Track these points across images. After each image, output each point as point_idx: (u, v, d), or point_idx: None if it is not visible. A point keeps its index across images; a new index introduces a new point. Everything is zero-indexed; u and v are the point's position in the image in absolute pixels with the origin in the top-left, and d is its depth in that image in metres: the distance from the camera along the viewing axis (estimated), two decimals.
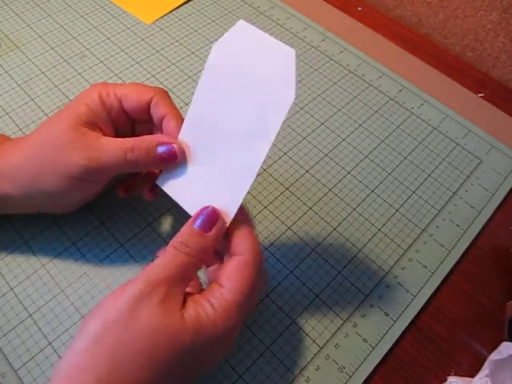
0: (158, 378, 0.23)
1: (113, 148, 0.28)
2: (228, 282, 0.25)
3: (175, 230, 0.26)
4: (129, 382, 0.22)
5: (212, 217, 0.26)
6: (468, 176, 0.42)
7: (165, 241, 0.35)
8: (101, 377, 0.22)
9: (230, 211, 0.26)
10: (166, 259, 0.25)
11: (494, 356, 0.29)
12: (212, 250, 0.26)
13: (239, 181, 0.26)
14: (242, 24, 0.26)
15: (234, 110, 0.26)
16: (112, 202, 0.37)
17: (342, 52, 0.50)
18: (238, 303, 0.25)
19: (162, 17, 0.52)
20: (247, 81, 0.26)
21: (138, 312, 0.23)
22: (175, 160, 0.28)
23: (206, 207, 0.27)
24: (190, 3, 0.54)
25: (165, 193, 0.29)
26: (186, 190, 0.28)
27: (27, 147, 0.29)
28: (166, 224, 0.36)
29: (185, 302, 0.24)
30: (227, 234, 0.27)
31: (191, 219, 0.26)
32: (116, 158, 0.28)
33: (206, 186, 0.27)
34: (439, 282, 0.35)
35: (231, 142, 0.27)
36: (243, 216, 0.27)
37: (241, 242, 0.26)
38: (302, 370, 0.31)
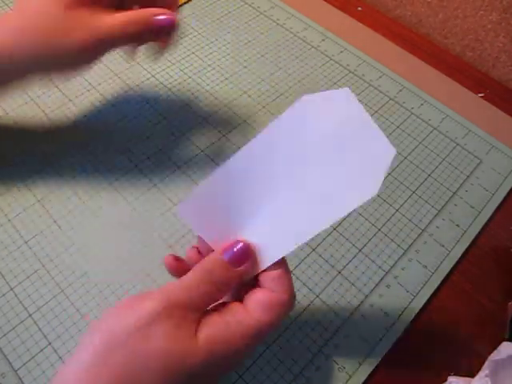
0: None
1: (112, 23, 0.30)
2: (257, 312, 0.24)
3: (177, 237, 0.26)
4: None
5: (245, 252, 0.25)
6: (468, 176, 0.42)
7: (165, 243, 0.35)
8: None
9: (266, 259, 0.25)
10: (190, 283, 0.24)
11: (494, 356, 0.29)
12: (236, 284, 0.25)
13: (289, 235, 0.25)
14: (346, 92, 0.24)
15: (308, 168, 0.25)
16: (111, 206, 0.37)
17: (341, 52, 0.50)
18: (260, 334, 0.24)
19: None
20: (333, 148, 0.24)
21: (149, 333, 0.22)
22: (174, 28, 0.30)
23: (241, 240, 0.25)
24: (190, 3, 0.53)
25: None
26: (213, 223, 0.25)
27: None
28: (166, 234, 0.36)
29: (200, 323, 0.23)
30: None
31: (222, 248, 0.25)
32: (117, 31, 0.30)
33: (242, 226, 0.26)
34: (439, 282, 0.35)
35: (289, 195, 0.25)
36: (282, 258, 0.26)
37: (277, 279, 0.25)
38: (302, 370, 0.31)
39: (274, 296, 0.25)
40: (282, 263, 0.25)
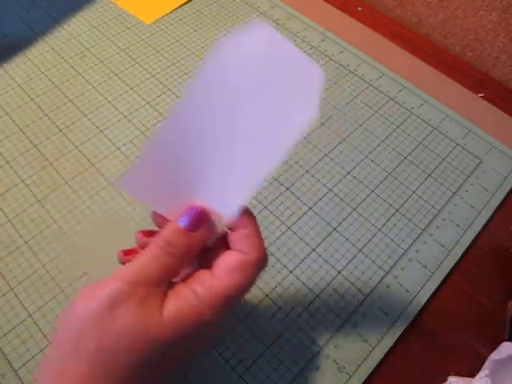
0: (142, 377, 0.22)
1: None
2: (225, 275, 0.23)
3: None
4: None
5: (199, 215, 0.24)
6: (468, 176, 0.42)
7: None
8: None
9: (226, 215, 0.24)
10: (148, 259, 0.23)
11: (494, 356, 0.29)
12: (198, 250, 0.24)
13: (241, 186, 0.24)
14: (258, 24, 0.23)
15: (243, 112, 0.24)
16: (110, 205, 0.37)
17: (341, 52, 0.50)
18: (230, 299, 0.23)
19: (162, 17, 0.52)
20: (262, 85, 0.23)
21: (115, 314, 0.21)
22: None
23: (194, 205, 0.24)
24: (190, 3, 0.54)
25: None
26: (161, 191, 0.24)
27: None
28: None
29: (165, 296, 0.23)
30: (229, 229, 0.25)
31: (176, 216, 0.24)
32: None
33: (192, 187, 0.24)
34: (439, 282, 0.35)
35: (233, 145, 0.24)
36: (250, 216, 0.25)
37: (246, 239, 0.24)
38: (302, 369, 0.31)
39: (242, 257, 0.24)
40: (249, 223, 0.24)
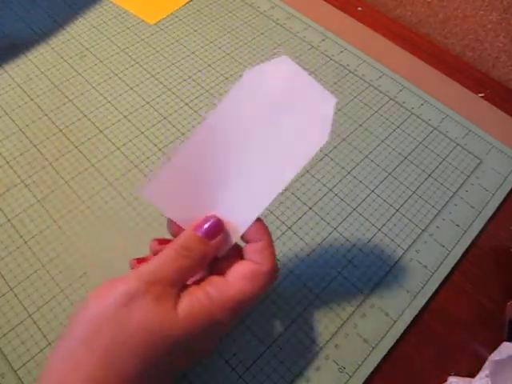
0: (152, 374, 0.23)
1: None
2: (238, 281, 0.25)
3: None
4: (123, 380, 0.22)
5: (216, 225, 0.26)
6: (468, 176, 0.42)
7: None
8: (95, 376, 0.21)
9: (240, 227, 0.26)
10: (165, 260, 0.24)
11: (494, 356, 0.29)
12: (212, 257, 0.26)
13: (255, 200, 0.26)
14: (284, 59, 0.26)
15: (259, 133, 0.26)
16: (110, 205, 0.37)
17: (341, 52, 0.50)
18: (240, 304, 0.24)
19: (165, 17, 0.52)
20: (279, 114, 0.26)
21: (131, 310, 0.22)
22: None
23: (212, 216, 0.26)
24: (190, 3, 0.54)
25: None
26: (180, 203, 0.26)
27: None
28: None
29: (179, 296, 0.24)
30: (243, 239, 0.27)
31: (194, 225, 0.26)
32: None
33: (210, 201, 0.26)
34: (439, 282, 0.35)
35: (249, 163, 0.26)
36: (264, 229, 0.26)
37: (259, 251, 0.26)
38: (302, 369, 0.31)
39: (255, 266, 0.25)
40: (263, 236, 0.26)
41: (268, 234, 0.26)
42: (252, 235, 0.26)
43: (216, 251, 0.26)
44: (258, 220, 0.26)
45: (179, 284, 0.24)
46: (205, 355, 0.29)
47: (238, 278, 0.25)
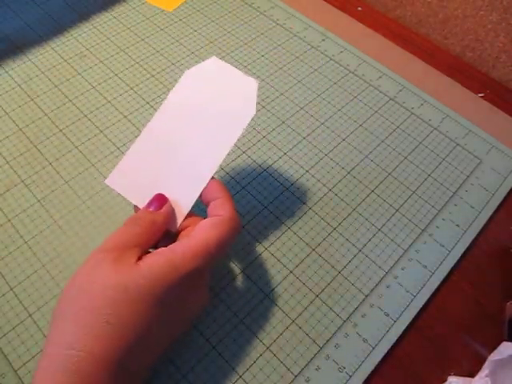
0: (128, 331, 0.23)
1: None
2: (200, 232, 0.27)
3: None
4: (98, 338, 0.23)
5: (160, 199, 0.29)
6: (468, 176, 0.42)
7: None
8: (68, 341, 0.23)
9: (186, 204, 0.29)
10: (120, 230, 0.27)
11: (494, 356, 0.29)
12: (162, 225, 0.28)
13: (200, 175, 0.30)
14: (213, 59, 0.32)
15: (197, 123, 0.31)
16: (110, 205, 0.37)
17: (341, 52, 0.50)
18: (202, 253, 0.26)
19: (182, 4, 0.52)
20: (213, 101, 0.31)
21: (92, 276, 0.24)
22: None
23: (156, 194, 0.29)
24: (190, 3, 0.54)
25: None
26: (139, 189, 0.30)
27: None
28: None
29: (142, 256, 0.26)
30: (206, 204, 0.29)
31: (146, 204, 0.29)
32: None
33: (162, 184, 0.30)
34: (439, 282, 0.35)
35: (192, 147, 0.30)
36: (220, 187, 0.29)
37: (219, 206, 0.28)
38: (302, 369, 0.31)
39: (216, 217, 0.28)
40: (220, 193, 0.29)
41: (225, 190, 0.29)
42: (210, 195, 0.29)
43: (165, 219, 0.28)
44: (214, 180, 0.29)
45: (137, 247, 0.26)
46: (186, 326, 0.30)
47: (200, 231, 0.27)
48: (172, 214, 0.29)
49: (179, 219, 0.29)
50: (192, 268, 0.25)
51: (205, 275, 0.28)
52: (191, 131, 0.31)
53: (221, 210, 0.28)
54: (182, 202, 0.29)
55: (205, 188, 0.29)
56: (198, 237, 0.26)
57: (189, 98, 0.31)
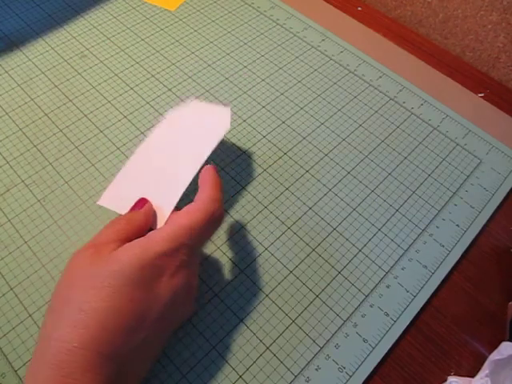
0: (104, 317, 0.24)
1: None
2: (172, 219, 0.28)
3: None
4: (78, 329, 0.23)
5: (141, 201, 0.30)
6: (468, 176, 0.42)
7: None
8: (53, 335, 0.23)
9: (168, 206, 0.31)
10: (102, 229, 0.28)
11: (494, 356, 0.29)
12: (141, 221, 0.29)
13: (178, 185, 0.32)
14: (194, 101, 0.37)
15: (178, 143, 0.34)
16: None
17: (342, 52, 0.50)
18: (176, 236, 0.27)
19: (182, 4, 0.52)
20: (192, 126, 0.35)
21: (73, 271, 0.26)
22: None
23: (138, 198, 0.31)
24: (190, 3, 0.54)
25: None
26: (129, 204, 0.31)
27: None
28: None
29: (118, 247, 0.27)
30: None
31: (130, 208, 0.30)
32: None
33: (147, 194, 0.32)
34: (439, 282, 0.35)
35: (172, 163, 0.33)
36: (205, 178, 0.31)
37: (198, 194, 0.30)
38: (302, 370, 0.31)
39: (190, 204, 0.29)
40: (204, 181, 0.30)
41: (209, 179, 0.30)
42: (199, 185, 0.31)
43: (145, 216, 0.29)
44: (203, 170, 0.31)
45: (116, 242, 0.27)
46: (175, 321, 0.29)
47: (173, 217, 0.29)
48: (153, 213, 0.30)
49: (163, 219, 0.30)
50: (163, 248, 0.26)
51: (186, 264, 0.28)
52: (173, 150, 0.34)
53: (198, 198, 0.29)
54: (165, 205, 0.31)
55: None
56: (171, 222, 0.28)
57: (172, 127, 0.35)
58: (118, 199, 0.32)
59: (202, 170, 0.32)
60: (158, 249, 0.26)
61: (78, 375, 0.22)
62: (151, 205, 0.30)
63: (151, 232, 0.28)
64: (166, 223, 0.29)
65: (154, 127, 0.35)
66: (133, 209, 0.30)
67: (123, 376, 0.24)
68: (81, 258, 0.26)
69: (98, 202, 0.32)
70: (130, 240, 0.27)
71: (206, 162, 0.32)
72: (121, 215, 0.30)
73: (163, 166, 0.33)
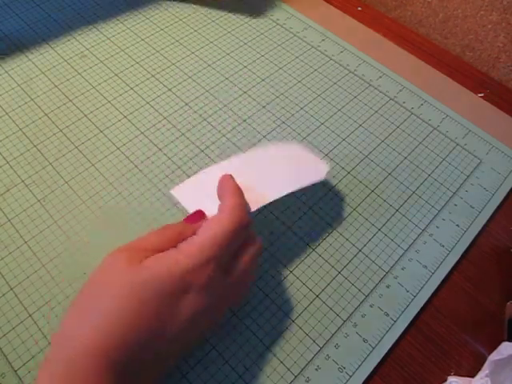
0: (121, 325, 0.24)
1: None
2: (202, 231, 0.27)
3: None
4: (94, 332, 0.23)
5: (199, 213, 0.30)
6: (468, 176, 0.42)
7: None
8: (88, 336, 0.23)
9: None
10: (157, 232, 0.28)
11: (494, 356, 0.29)
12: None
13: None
14: (296, 144, 0.38)
15: (268, 171, 0.34)
16: (110, 205, 0.37)
17: (342, 52, 0.50)
18: (203, 247, 0.26)
19: (182, 3, 0.52)
20: (290, 162, 0.36)
21: (106, 272, 0.26)
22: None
23: (197, 209, 0.30)
24: (190, 3, 0.53)
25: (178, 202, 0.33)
26: (198, 205, 0.31)
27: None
28: None
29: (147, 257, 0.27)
30: None
31: (186, 217, 0.30)
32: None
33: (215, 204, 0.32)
34: (439, 282, 0.35)
35: (253, 183, 0.33)
36: (224, 185, 0.30)
37: (222, 203, 0.29)
38: (302, 370, 0.31)
39: (216, 215, 0.28)
40: (223, 189, 0.30)
41: (227, 186, 0.30)
42: (219, 193, 0.31)
43: (194, 233, 0.28)
44: (221, 178, 0.31)
45: (150, 250, 0.27)
46: (198, 335, 0.28)
47: (203, 228, 0.28)
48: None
49: None
50: (193, 261, 0.26)
51: (212, 282, 0.27)
52: (261, 173, 0.34)
53: (222, 207, 0.29)
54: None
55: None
56: (201, 233, 0.27)
57: (270, 154, 0.36)
58: (189, 195, 0.33)
59: (220, 179, 0.31)
60: (189, 261, 0.26)
61: (89, 377, 0.22)
62: (204, 221, 0.29)
63: (183, 243, 0.27)
64: (197, 233, 0.28)
65: (254, 148, 0.38)
66: (189, 219, 0.29)
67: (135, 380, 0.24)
68: (116, 259, 0.26)
69: (171, 191, 0.33)
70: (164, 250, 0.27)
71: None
72: (173, 224, 0.29)
73: (245, 183, 0.32)
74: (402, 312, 0.34)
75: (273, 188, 0.33)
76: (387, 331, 0.33)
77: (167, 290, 0.25)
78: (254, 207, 0.31)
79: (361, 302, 0.34)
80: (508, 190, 0.41)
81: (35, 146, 0.40)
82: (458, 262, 0.37)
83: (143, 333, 0.24)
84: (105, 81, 0.45)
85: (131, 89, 0.45)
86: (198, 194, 0.32)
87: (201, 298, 0.26)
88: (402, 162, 0.42)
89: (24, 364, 0.30)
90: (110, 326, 0.23)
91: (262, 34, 0.51)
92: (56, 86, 0.44)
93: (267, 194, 0.32)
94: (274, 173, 0.34)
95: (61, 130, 0.41)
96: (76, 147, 0.40)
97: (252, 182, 0.32)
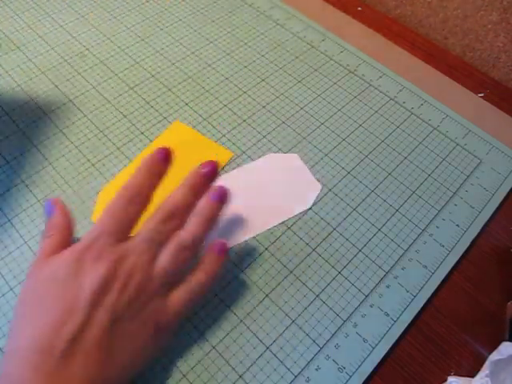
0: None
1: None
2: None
3: None
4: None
5: (223, 245, 0.31)
6: (468, 176, 0.42)
7: None
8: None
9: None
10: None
11: (494, 356, 0.29)
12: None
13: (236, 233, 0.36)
14: (295, 156, 0.41)
15: (262, 193, 0.38)
16: None
17: (342, 52, 0.50)
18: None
19: (182, 3, 0.52)
20: (285, 180, 0.39)
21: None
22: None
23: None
24: (190, 3, 0.54)
25: None
26: None
27: None
28: None
29: None
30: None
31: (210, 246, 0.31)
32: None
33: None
34: (439, 282, 0.35)
35: (246, 207, 0.36)
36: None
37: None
38: (302, 370, 0.31)
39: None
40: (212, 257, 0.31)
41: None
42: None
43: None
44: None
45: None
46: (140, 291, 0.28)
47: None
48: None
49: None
50: (80, 245, 0.28)
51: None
52: (255, 195, 0.37)
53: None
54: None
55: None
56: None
57: (268, 167, 0.39)
58: None
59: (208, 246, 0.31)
60: (76, 245, 0.28)
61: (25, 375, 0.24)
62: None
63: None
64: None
65: (256, 161, 0.40)
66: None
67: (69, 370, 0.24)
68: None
69: None
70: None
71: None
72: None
73: (235, 209, 0.34)
74: (402, 312, 0.34)
75: (261, 220, 0.36)
76: (387, 331, 0.33)
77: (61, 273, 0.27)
78: (241, 239, 0.35)
79: (361, 302, 0.34)
80: (508, 189, 0.41)
81: (35, 145, 0.40)
82: (458, 262, 0.37)
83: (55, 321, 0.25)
84: (105, 81, 0.45)
85: (131, 89, 0.45)
86: None
87: (99, 266, 0.27)
88: (401, 161, 0.42)
89: None
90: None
91: (261, 33, 0.51)
92: (56, 86, 0.44)
93: (254, 227, 0.36)
94: (264, 200, 0.37)
95: (61, 130, 0.41)
96: (76, 147, 0.40)
97: (240, 210, 0.35)
